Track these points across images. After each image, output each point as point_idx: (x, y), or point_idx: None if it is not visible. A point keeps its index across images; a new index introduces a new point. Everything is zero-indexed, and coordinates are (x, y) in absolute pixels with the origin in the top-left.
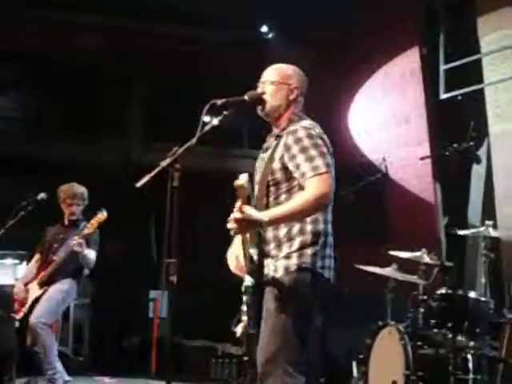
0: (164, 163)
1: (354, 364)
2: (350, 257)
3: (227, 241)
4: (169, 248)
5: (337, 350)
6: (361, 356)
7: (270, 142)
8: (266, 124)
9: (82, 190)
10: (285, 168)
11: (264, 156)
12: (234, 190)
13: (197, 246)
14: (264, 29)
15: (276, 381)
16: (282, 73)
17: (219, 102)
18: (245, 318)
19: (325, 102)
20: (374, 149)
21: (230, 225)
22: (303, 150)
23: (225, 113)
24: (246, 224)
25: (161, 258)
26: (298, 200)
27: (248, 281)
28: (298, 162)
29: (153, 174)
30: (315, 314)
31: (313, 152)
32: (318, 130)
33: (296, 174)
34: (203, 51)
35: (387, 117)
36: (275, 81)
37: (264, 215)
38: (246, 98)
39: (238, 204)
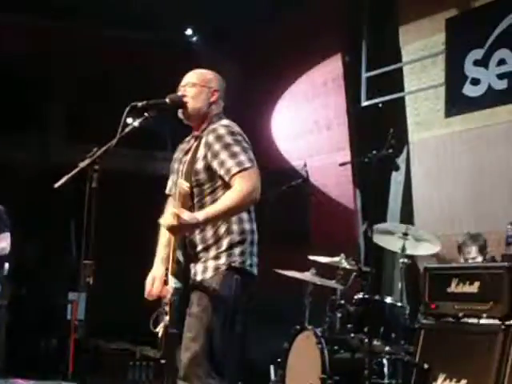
0: (83, 164)
1: (272, 368)
2: (270, 261)
3: (148, 242)
4: (86, 249)
5: (255, 353)
6: (278, 360)
7: (190, 143)
8: (188, 127)
9: None
10: (208, 168)
11: (184, 158)
12: (165, 194)
13: (117, 247)
14: (189, 32)
15: (199, 383)
16: (203, 76)
17: (140, 104)
18: (166, 318)
19: (248, 106)
20: (296, 154)
21: (167, 227)
22: (226, 146)
23: (146, 115)
24: (182, 227)
25: (80, 260)
26: (230, 197)
27: (174, 283)
28: (222, 158)
29: (71, 174)
30: (242, 315)
31: (236, 148)
32: (237, 128)
33: (221, 172)
34: (128, 52)
35: (309, 123)
36: (196, 83)
37: (199, 215)
38: (167, 100)
39: (177, 207)
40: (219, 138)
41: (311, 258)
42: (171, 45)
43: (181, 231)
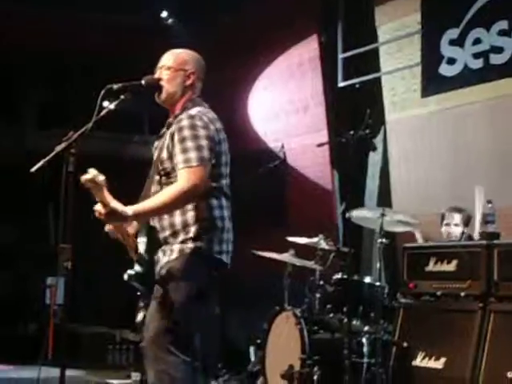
0: (59, 148)
1: (252, 349)
2: (248, 242)
3: None
4: (64, 233)
5: (234, 335)
6: (258, 341)
7: (164, 130)
8: (166, 110)
9: None
10: (171, 157)
11: (156, 143)
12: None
13: (94, 231)
14: (164, 14)
15: (158, 361)
16: (179, 58)
17: (115, 86)
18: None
19: (225, 88)
20: (273, 136)
21: (97, 215)
22: (182, 140)
23: (121, 97)
24: (110, 216)
25: (58, 244)
26: (166, 193)
27: (135, 269)
28: (175, 151)
29: (47, 158)
30: (212, 300)
31: (189, 144)
32: (206, 118)
33: (173, 164)
34: (103, 35)
35: (286, 104)
36: (171, 66)
37: (129, 208)
38: (142, 82)
39: (101, 196)
40: (180, 129)
41: (289, 239)
42: (146, 28)
43: (109, 220)
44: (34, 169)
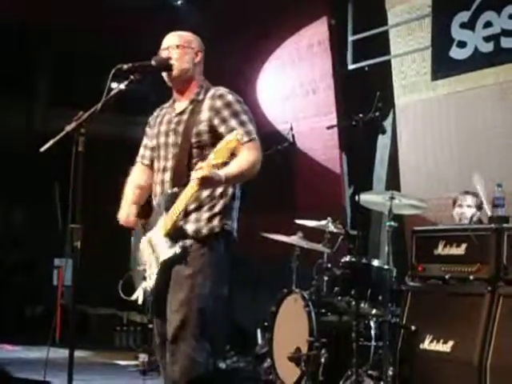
0: (69, 127)
1: (259, 331)
2: (257, 225)
3: None
4: (73, 213)
5: (242, 317)
6: (266, 323)
7: (178, 107)
8: (171, 91)
9: None
10: (211, 131)
11: (176, 119)
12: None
13: (101, 212)
14: None
15: (186, 345)
16: (184, 38)
17: (125, 66)
18: (144, 282)
19: (234, 70)
20: (282, 118)
21: (200, 179)
22: (235, 114)
23: (131, 77)
24: (210, 181)
25: (66, 225)
26: (243, 164)
27: (167, 251)
28: (231, 125)
29: (57, 138)
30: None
31: (244, 117)
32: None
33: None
34: (110, 16)
35: (295, 86)
36: (180, 45)
37: (222, 174)
38: (152, 62)
39: (212, 160)
40: (228, 104)
41: (298, 221)
42: (156, 9)
43: (210, 185)
44: (43, 148)
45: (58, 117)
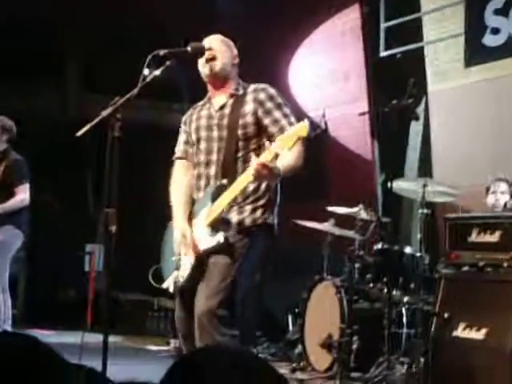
0: (105, 112)
1: (290, 318)
2: (289, 212)
3: (164, 194)
4: (109, 198)
5: (273, 304)
6: (297, 310)
7: (218, 100)
8: (205, 85)
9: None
10: (256, 123)
11: (218, 113)
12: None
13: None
14: None
15: (214, 332)
16: (226, 41)
17: (162, 52)
18: (176, 272)
19: (266, 57)
20: (314, 105)
21: (256, 167)
22: (279, 106)
23: (167, 63)
24: (271, 173)
25: (97, 211)
26: (298, 155)
27: (209, 240)
28: (276, 117)
29: (94, 122)
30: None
31: (286, 110)
32: None
33: (274, 129)
34: (142, 2)
35: (327, 73)
36: (223, 42)
37: (280, 167)
38: (188, 49)
39: (276, 148)
40: (271, 97)
41: (330, 208)
42: None
43: (267, 176)
44: (80, 132)
45: (91, 103)
